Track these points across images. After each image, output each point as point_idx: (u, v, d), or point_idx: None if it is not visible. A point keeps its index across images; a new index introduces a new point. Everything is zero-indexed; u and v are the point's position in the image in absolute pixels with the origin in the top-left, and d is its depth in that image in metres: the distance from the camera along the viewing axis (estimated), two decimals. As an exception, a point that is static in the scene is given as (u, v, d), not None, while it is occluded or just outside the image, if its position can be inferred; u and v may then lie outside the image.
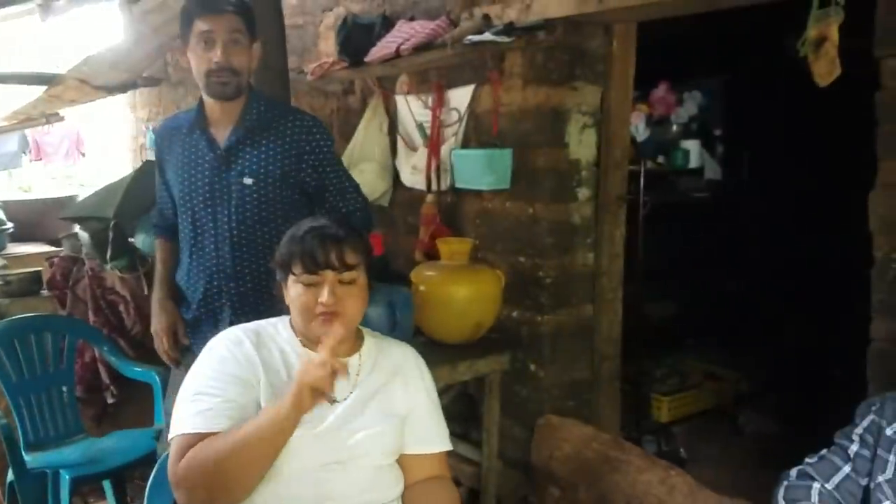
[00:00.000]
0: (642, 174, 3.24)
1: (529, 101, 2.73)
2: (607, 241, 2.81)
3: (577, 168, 2.75)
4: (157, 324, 2.24)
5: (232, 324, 2.02)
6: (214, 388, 1.45)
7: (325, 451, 1.48)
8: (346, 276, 1.50)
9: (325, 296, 1.48)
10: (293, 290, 1.52)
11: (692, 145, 3.70)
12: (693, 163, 3.71)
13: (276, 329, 1.60)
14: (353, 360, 1.59)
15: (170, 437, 1.45)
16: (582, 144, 2.75)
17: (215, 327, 2.07)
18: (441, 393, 2.64)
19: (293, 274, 1.51)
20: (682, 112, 3.70)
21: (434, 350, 2.73)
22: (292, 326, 1.59)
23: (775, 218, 4.18)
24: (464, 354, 2.72)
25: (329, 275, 1.49)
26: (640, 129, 3.39)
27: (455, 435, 3.06)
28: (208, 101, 2.08)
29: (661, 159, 3.59)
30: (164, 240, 2.29)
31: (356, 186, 2.23)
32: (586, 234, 2.81)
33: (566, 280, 2.79)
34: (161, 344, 2.23)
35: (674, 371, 3.63)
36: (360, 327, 1.67)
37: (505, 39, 2.59)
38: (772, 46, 3.41)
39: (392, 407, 1.58)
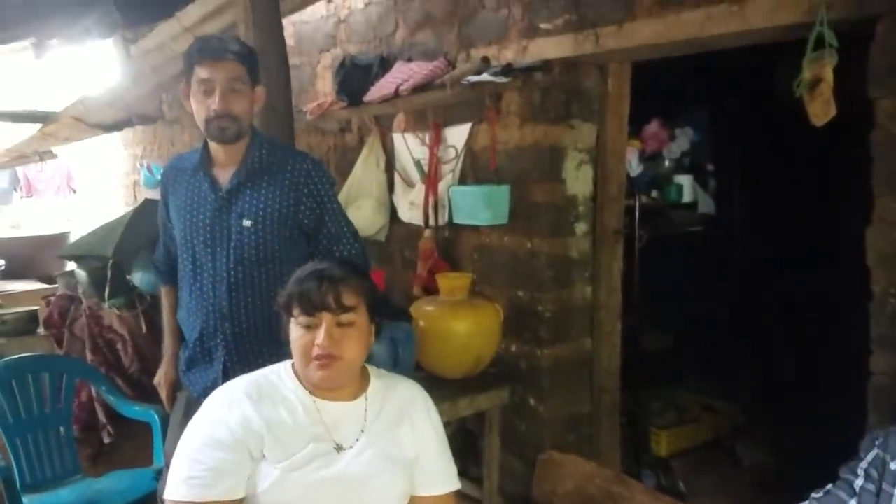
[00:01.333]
0: (637, 208, 3.29)
1: (527, 138, 2.78)
2: (605, 275, 2.85)
3: (575, 203, 2.80)
4: (163, 376, 2.29)
5: (225, 364, 2.04)
6: (203, 455, 1.44)
7: (334, 499, 1.47)
8: (344, 318, 1.48)
9: (321, 338, 1.46)
10: (293, 333, 1.51)
11: (685, 180, 3.76)
12: (686, 197, 3.77)
13: (280, 377, 1.57)
14: (358, 404, 1.57)
15: (165, 496, 1.46)
16: (579, 180, 2.80)
17: (210, 366, 2.08)
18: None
19: (293, 316, 1.50)
20: (674, 147, 3.76)
21: (434, 385, 2.72)
22: (295, 372, 1.56)
23: (768, 251, 4.23)
24: (464, 389, 2.73)
25: (326, 316, 1.47)
26: (633, 164, 3.45)
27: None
28: (212, 144, 2.10)
29: (654, 194, 3.64)
30: (171, 287, 2.30)
31: (354, 233, 2.22)
32: (584, 267, 2.84)
33: (565, 314, 2.81)
34: (162, 395, 2.29)
35: (671, 404, 3.63)
36: (367, 366, 1.66)
37: (503, 80, 2.65)
38: (762, 82, 3.49)
39: (401, 451, 1.57)
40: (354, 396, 1.57)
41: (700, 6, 2.19)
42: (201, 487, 1.42)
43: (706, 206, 3.95)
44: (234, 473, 1.44)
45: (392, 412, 1.59)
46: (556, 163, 2.74)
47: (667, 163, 3.82)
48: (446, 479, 1.64)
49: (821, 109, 1.81)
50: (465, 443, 3.05)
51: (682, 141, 3.87)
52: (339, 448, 1.51)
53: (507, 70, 2.65)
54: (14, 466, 2.68)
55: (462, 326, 2.72)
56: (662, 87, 3.48)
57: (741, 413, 3.78)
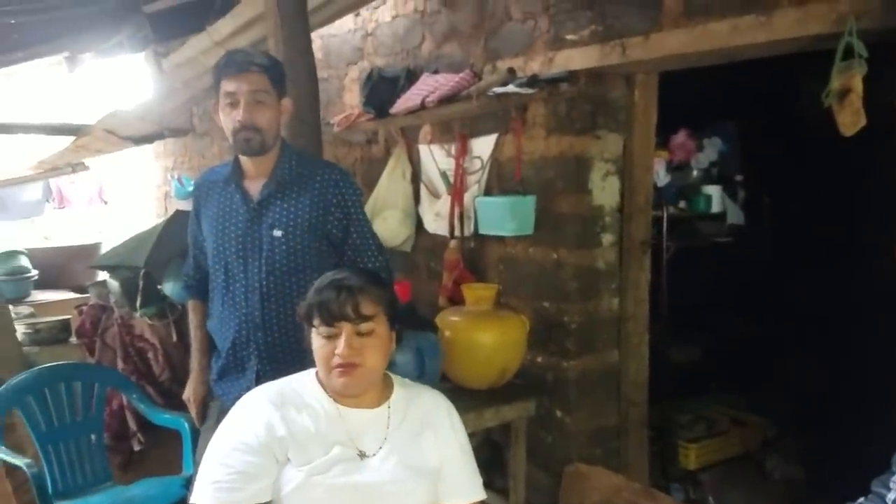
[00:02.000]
0: (665, 219, 3.27)
1: (552, 149, 2.78)
2: (633, 286, 2.83)
3: (601, 214, 2.79)
4: (191, 392, 2.31)
5: (258, 373, 2.07)
6: (230, 459, 1.47)
7: None
8: (364, 327, 1.50)
9: (340, 347, 1.49)
10: (315, 342, 1.54)
11: (714, 190, 3.73)
12: (715, 208, 3.73)
13: (303, 384, 1.60)
14: (381, 411, 1.58)
15: (192, 500, 1.48)
16: (605, 191, 2.79)
17: (242, 375, 2.11)
18: (466, 440, 2.65)
19: (313, 326, 1.53)
20: (702, 158, 3.74)
21: (459, 396, 2.72)
22: (318, 381, 1.59)
23: (797, 262, 4.18)
24: (489, 400, 2.72)
25: (345, 326, 1.50)
26: (660, 174, 3.43)
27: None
28: (242, 157, 2.13)
29: (682, 204, 3.61)
30: (198, 301, 2.33)
31: (379, 245, 2.24)
32: (611, 279, 2.83)
33: (591, 325, 2.80)
34: (192, 411, 2.32)
35: (700, 417, 3.59)
36: (390, 374, 1.67)
37: (528, 91, 2.66)
38: (790, 92, 3.46)
39: (424, 460, 1.58)
40: (377, 404, 1.59)
41: (727, 17, 2.18)
42: (228, 491, 1.44)
43: (735, 216, 3.90)
44: (260, 477, 1.46)
45: (415, 421, 1.60)
46: (582, 173, 2.74)
47: (695, 173, 3.79)
48: (470, 489, 1.64)
49: (850, 119, 1.79)
50: (490, 454, 3.04)
51: (710, 151, 3.84)
52: (362, 455, 1.52)
53: (533, 81, 2.66)
54: (46, 473, 2.72)
55: (487, 337, 2.71)
56: (690, 97, 3.46)
57: (771, 426, 3.73)
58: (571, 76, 2.66)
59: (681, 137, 3.74)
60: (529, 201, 2.85)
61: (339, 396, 1.55)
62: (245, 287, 2.10)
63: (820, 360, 3.85)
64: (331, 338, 1.50)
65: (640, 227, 2.84)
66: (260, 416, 1.51)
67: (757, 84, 3.72)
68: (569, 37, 2.71)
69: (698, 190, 3.75)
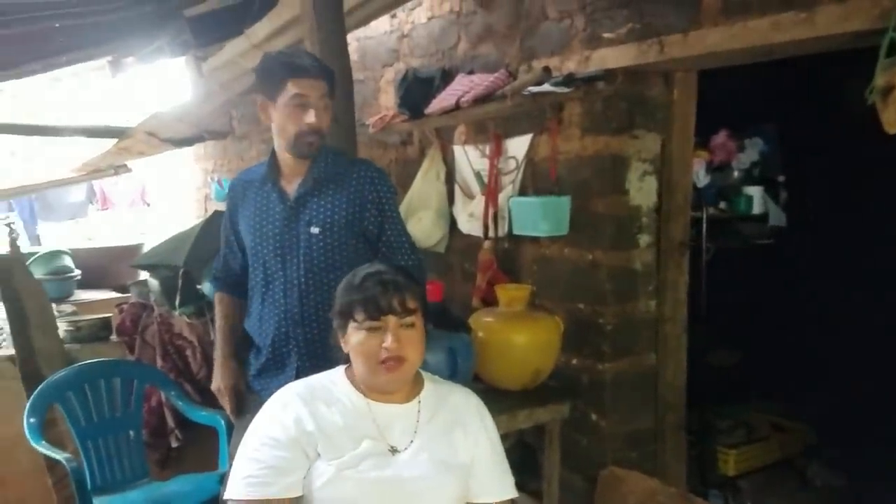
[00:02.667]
0: (704, 220, 3.22)
1: (588, 149, 2.75)
2: (671, 288, 2.79)
3: (638, 214, 2.75)
4: (221, 381, 2.28)
5: (298, 370, 2.07)
6: (261, 454, 1.48)
7: (388, 500, 1.48)
8: (408, 320, 1.52)
9: (389, 341, 1.49)
10: (355, 338, 1.53)
11: (755, 191, 3.65)
12: (756, 209, 3.65)
13: (333, 381, 1.60)
14: (411, 407, 1.59)
15: (225, 496, 1.50)
16: (642, 191, 2.75)
17: (281, 372, 2.11)
18: (499, 441, 2.63)
19: (354, 321, 1.52)
20: (743, 158, 3.66)
21: (493, 397, 2.69)
22: (348, 377, 1.59)
23: (841, 266, 4.07)
24: (523, 402, 2.70)
25: (391, 320, 1.50)
26: (700, 175, 3.37)
27: (513, 484, 3.05)
28: (284, 156, 2.14)
29: (723, 205, 3.55)
30: (224, 294, 2.34)
31: (412, 244, 2.24)
32: (648, 280, 2.79)
33: (628, 327, 2.76)
34: (223, 401, 2.29)
35: (740, 422, 3.52)
36: (421, 371, 1.67)
37: (564, 90, 2.63)
38: (831, 91, 3.38)
39: (454, 456, 1.57)
40: (408, 399, 1.59)
41: (767, 13, 2.13)
42: (260, 486, 1.46)
43: (777, 218, 3.81)
44: (290, 472, 1.47)
45: (445, 418, 1.60)
46: (619, 173, 2.70)
47: (735, 174, 3.72)
48: (502, 487, 1.64)
49: (894, 117, 1.74)
50: (523, 457, 3.01)
51: (752, 152, 3.76)
52: (393, 450, 1.52)
53: (569, 80, 2.64)
54: (86, 468, 2.76)
55: (521, 338, 2.69)
56: (730, 97, 3.40)
57: (812, 432, 3.64)
58: (608, 75, 2.63)
59: (721, 138, 3.67)
60: (564, 201, 2.83)
61: (374, 392, 1.56)
62: (284, 284, 2.11)
63: (862, 366, 3.76)
64: (374, 332, 1.51)
65: (679, 227, 2.80)
66: (289, 411, 1.53)
67: (799, 83, 3.64)
68: (606, 35, 2.68)
69: (739, 191, 3.68)
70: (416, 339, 1.53)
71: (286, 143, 2.08)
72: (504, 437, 2.69)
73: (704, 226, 3.24)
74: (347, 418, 1.53)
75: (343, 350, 1.58)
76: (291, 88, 2.00)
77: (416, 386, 1.63)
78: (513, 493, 1.65)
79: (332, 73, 2.10)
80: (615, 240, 2.72)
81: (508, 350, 2.69)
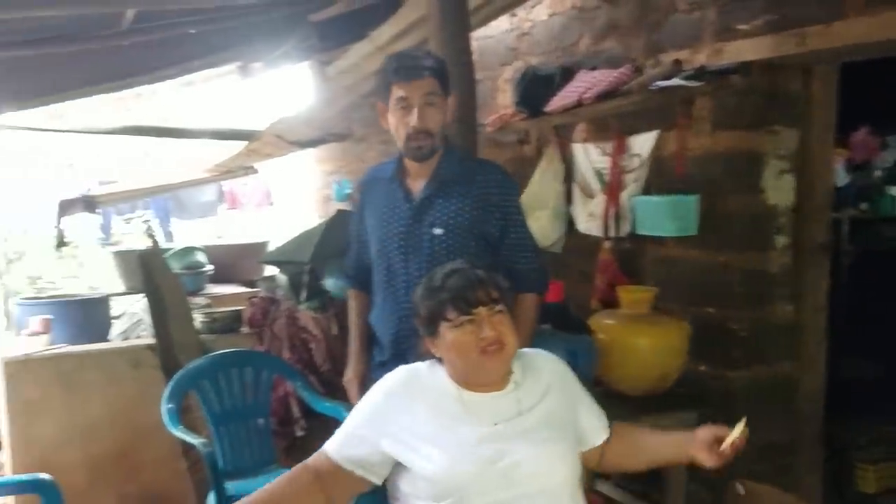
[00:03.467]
0: (845, 221, 3.03)
1: (719, 145, 2.65)
2: (810, 293, 2.64)
3: (775, 214, 2.62)
4: (351, 371, 2.38)
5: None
6: (353, 421, 1.62)
7: (506, 485, 1.49)
8: (497, 307, 1.56)
9: (486, 331, 1.53)
10: (450, 336, 1.56)
11: (900, 192, 3.42)
12: (901, 210, 3.42)
13: (434, 373, 1.65)
14: (508, 388, 1.61)
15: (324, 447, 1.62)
16: (779, 190, 2.62)
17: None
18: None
19: (447, 321, 1.56)
20: (886, 157, 3.44)
21: (614, 402, 2.65)
22: (447, 374, 1.63)
23: None
24: (646, 408, 2.62)
25: (482, 311, 1.55)
26: (839, 174, 3.18)
27: (634, 493, 2.96)
28: (406, 157, 2.18)
29: (864, 206, 3.33)
30: (357, 291, 2.41)
31: (535, 247, 2.24)
32: (784, 284, 2.65)
33: (762, 333, 2.63)
34: (351, 392, 2.37)
35: (881, 437, 3.29)
36: None
37: (695, 83, 2.54)
38: None
39: (561, 419, 1.62)
40: (503, 386, 1.62)
41: (919, 2, 1.98)
42: (341, 446, 1.58)
43: (924, 220, 3.55)
44: (378, 456, 1.56)
45: (539, 386, 1.64)
46: (753, 171, 2.58)
47: (877, 173, 3.49)
48: (603, 424, 1.71)
49: None
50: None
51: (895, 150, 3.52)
52: (494, 426, 1.55)
53: (700, 73, 2.54)
54: (218, 453, 2.90)
55: (645, 342, 2.62)
56: (872, 92, 3.19)
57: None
58: (742, 68, 2.51)
59: (861, 135, 3.47)
60: (692, 200, 2.72)
61: (479, 385, 1.59)
62: (406, 282, 2.14)
63: None
64: (468, 325, 1.54)
65: (819, 228, 2.64)
66: (391, 397, 1.61)
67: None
68: (740, 26, 2.56)
69: (882, 191, 3.45)
70: (507, 323, 1.57)
71: (401, 147, 2.12)
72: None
73: (845, 227, 3.05)
74: (440, 401, 1.58)
75: (434, 355, 1.64)
76: (396, 91, 2.04)
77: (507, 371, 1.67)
78: (608, 426, 1.73)
79: (443, 67, 2.10)
80: (749, 241, 2.60)
81: (632, 354, 2.63)
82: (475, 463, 1.49)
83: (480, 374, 1.57)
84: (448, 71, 2.16)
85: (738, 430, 1.55)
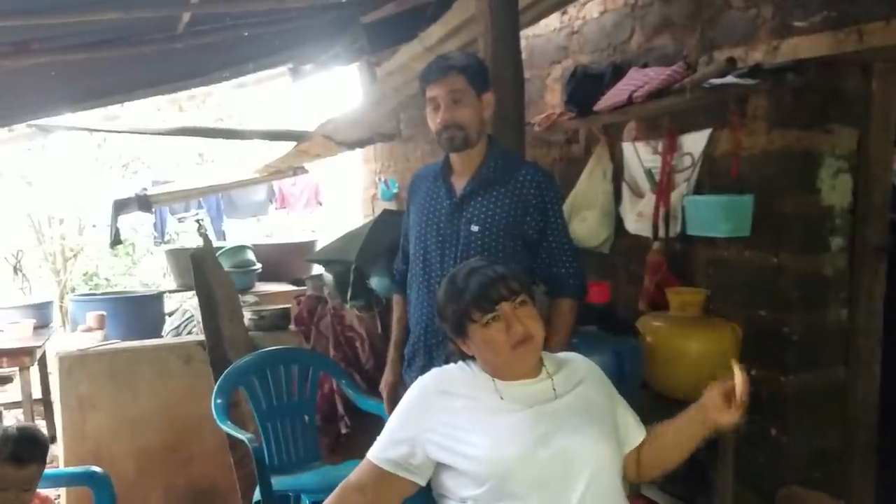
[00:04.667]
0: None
1: (775, 144, 2.58)
2: (865, 296, 2.56)
3: (830, 215, 2.54)
4: (385, 379, 2.48)
5: (447, 361, 2.12)
6: (391, 424, 1.63)
7: (548, 465, 1.50)
8: (518, 300, 1.58)
9: (515, 326, 1.55)
10: (478, 336, 1.59)
11: (968, 193, 3.28)
12: (966, 213, 3.27)
13: (464, 369, 1.67)
14: (542, 378, 1.63)
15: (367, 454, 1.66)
16: (835, 190, 2.54)
17: (430, 363, 2.17)
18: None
19: (473, 321, 1.58)
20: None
21: (661, 405, 2.61)
22: (480, 368, 1.64)
23: None
24: (695, 412, 2.57)
25: (505, 306, 1.56)
26: (900, 174, 3.06)
27: (679, 498, 2.91)
28: (451, 154, 2.22)
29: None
30: (402, 296, 2.45)
31: (573, 252, 2.25)
32: (840, 287, 2.57)
33: (815, 337, 2.56)
34: (384, 399, 2.48)
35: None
36: None
37: (750, 82, 2.48)
38: None
39: (598, 406, 1.63)
40: (537, 374, 1.64)
41: None
42: (383, 451, 1.60)
43: None
44: (408, 442, 1.57)
45: (574, 378, 1.66)
46: (809, 171, 2.51)
47: (942, 174, 3.35)
48: (639, 426, 1.70)
49: None
50: (692, 470, 2.87)
51: (962, 149, 3.37)
52: (535, 406, 1.56)
53: (756, 71, 2.48)
54: (265, 448, 2.94)
55: (694, 345, 2.58)
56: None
57: None
58: (799, 66, 2.45)
59: (925, 134, 3.32)
60: (747, 200, 2.66)
61: (512, 378, 1.60)
62: (440, 276, 2.16)
63: None
64: (495, 323, 1.56)
65: (876, 230, 2.56)
66: (423, 398, 1.62)
67: None
68: (797, 23, 2.50)
69: (947, 192, 3.31)
70: (532, 315, 1.60)
71: (438, 143, 2.19)
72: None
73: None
74: (487, 399, 1.58)
75: (465, 354, 1.66)
76: (427, 94, 2.15)
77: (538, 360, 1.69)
78: (644, 430, 1.71)
79: (472, 65, 2.15)
80: (803, 242, 2.53)
81: (680, 357, 2.59)
82: (518, 444, 1.50)
83: (514, 367, 1.60)
84: (483, 68, 2.19)
85: (739, 375, 1.53)
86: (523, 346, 1.56)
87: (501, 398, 1.58)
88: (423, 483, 1.60)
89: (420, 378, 1.70)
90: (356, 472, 1.63)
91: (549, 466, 1.50)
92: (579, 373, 1.68)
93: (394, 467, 1.58)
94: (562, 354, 1.77)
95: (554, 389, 1.61)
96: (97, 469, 2.45)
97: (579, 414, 1.57)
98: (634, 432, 1.68)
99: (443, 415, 1.58)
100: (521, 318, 1.56)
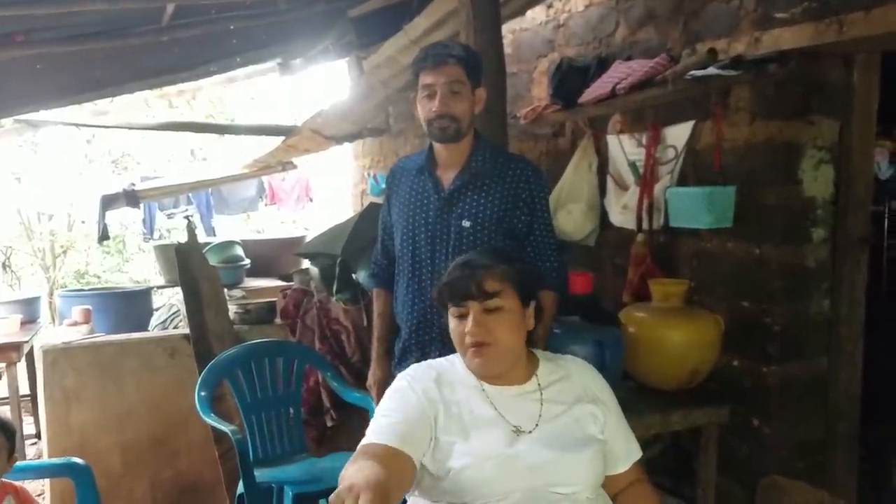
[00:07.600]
0: (886, 215, 2.93)
1: (757, 136, 2.58)
2: (847, 287, 2.56)
3: (812, 207, 2.55)
4: (372, 377, 2.43)
5: (440, 356, 2.11)
6: (389, 411, 1.53)
7: (522, 479, 1.47)
8: (490, 303, 1.53)
9: (469, 325, 1.52)
10: (450, 324, 1.58)
11: (948, 185, 3.30)
12: (950, 204, 3.30)
13: (454, 366, 1.64)
14: (530, 387, 1.59)
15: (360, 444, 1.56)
16: (817, 181, 2.55)
17: (423, 358, 2.15)
18: (650, 442, 2.53)
19: (446, 308, 1.58)
20: (933, 149, 3.32)
21: (644, 396, 2.63)
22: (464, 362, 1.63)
23: None
24: (677, 402, 2.58)
25: (473, 305, 1.53)
26: (882, 166, 3.08)
27: (664, 489, 2.92)
28: (436, 146, 2.19)
29: (907, 200, 3.23)
30: (382, 290, 2.43)
31: (557, 246, 2.26)
32: (821, 278, 2.57)
33: (797, 328, 2.57)
34: (374, 396, 2.42)
35: (921, 438, 3.19)
36: (534, 350, 1.69)
37: (732, 73, 2.48)
38: None
39: (582, 430, 1.57)
40: (525, 380, 1.60)
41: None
42: (390, 434, 1.48)
43: (974, 215, 3.42)
44: (416, 432, 1.48)
45: (568, 392, 1.61)
46: (791, 162, 2.51)
47: (924, 166, 3.37)
48: (633, 449, 1.66)
49: None
50: (676, 460, 2.89)
51: (944, 142, 3.40)
52: (517, 431, 1.52)
53: (737, 63, 2.48)
54: (249, 441, 2.94)
55: (677, 335, 2.58)
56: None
57: None
58: (781, 57, 2.45)
59: (908, 126, 3.34)
60: (729, 192, 2.66)
61: (492, 379, 1.58)
62: (431, 273, 2.15)
63: None
64: (461, 318, 1.55)
65: (858, 221, 2.56)
66: (420, 386, 1.57)
67: None
68: (779, 15, 2.50)
69: (929, 185, 3.33)
70: (502, 321, 1.53)
71: (426, 131, 2.15)
72: (656, 439, 2.62)
73: (886, 221, 2.96)
74: (471, 401, 1.56)
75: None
76: (423, 79, 2.10)
77: (530, 366, 1.64)
78: (639, 453, 1.67)
79: (471, 58, 2.13)
80: (786, 233, 2.54)
81: (662, 347, 2.59)
82: (497, 466, 1.47)
83: (472, 368, 1.57)
84: (479, 63, 2.17)
85: None
86: (477, 350, 1.53)
87: (488, 404, 1.55)
88: (420, 457, 1.50)
89: (406, 370, 1.66)
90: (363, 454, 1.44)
91: (525, 490, 1.47)
92: (575, 391, 1.62)
93: (394, 441, 1.47)
94: (564, 361, 1.70)
95: (542, 405, 1.57)
96: (78, 460, 2.44)
97: (564, 439, 1.53)
98: (620, 462, 1.64)
99: (434, 403, 1.54)
100: (486, 323, 1.52)
